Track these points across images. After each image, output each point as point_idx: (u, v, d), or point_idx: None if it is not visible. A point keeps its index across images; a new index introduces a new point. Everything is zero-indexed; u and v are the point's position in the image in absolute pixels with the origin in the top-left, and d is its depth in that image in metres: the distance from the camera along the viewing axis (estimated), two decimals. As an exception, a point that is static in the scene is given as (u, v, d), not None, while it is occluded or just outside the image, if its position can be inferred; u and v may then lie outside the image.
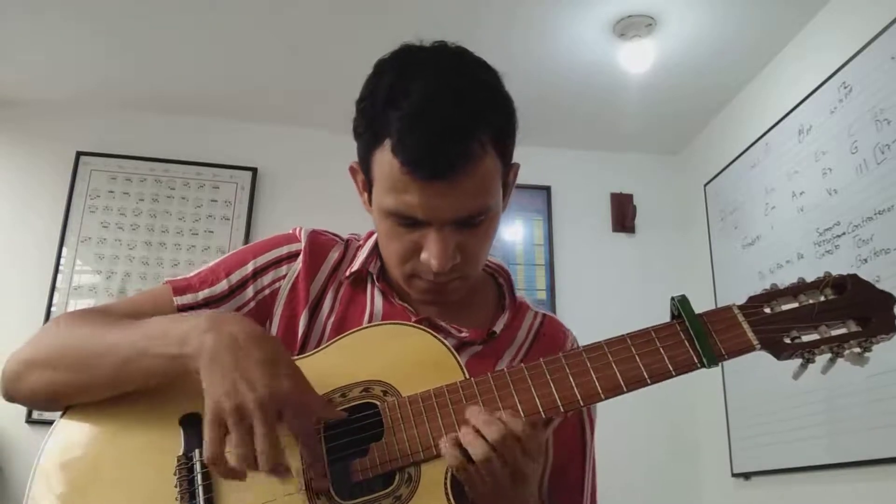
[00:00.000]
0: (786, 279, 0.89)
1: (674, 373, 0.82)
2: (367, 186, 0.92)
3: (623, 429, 2.79)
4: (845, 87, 2.32)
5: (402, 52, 0.90)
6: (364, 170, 0.91)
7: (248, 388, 0.75)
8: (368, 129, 0.87)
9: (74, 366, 0.86)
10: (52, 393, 0.88)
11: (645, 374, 0.82)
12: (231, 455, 0.75)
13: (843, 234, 2.28)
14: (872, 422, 2.11)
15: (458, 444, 0.78)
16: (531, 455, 0.79)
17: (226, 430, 0.75)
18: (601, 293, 3.23)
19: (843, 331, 0.83)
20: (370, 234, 1.04)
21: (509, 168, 0.93)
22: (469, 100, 0.83)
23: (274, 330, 0.97)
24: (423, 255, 0.88)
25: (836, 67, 2.36)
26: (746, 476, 2.75)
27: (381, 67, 0.89)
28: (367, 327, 0.93)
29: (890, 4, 2.15)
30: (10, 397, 0.91)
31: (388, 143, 0.83)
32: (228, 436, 0.75)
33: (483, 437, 0.77)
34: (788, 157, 2.60)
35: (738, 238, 2.91)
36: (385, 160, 0.84)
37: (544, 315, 1.07)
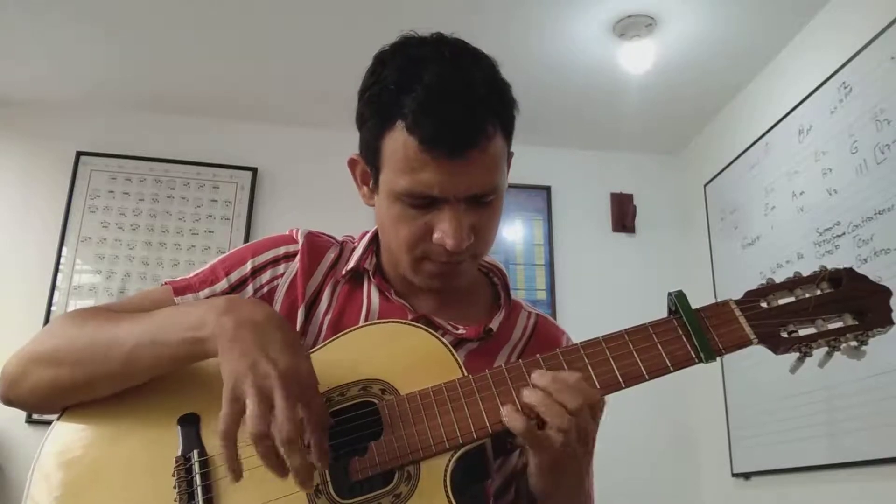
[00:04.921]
0: (786, 280, 0.89)
1: (671, 368, 0.82)
2: (371, 175, 0.92)
3: (623, 429, 2.78)
4: (845, 87, 2.32)
5: (405, 42, 0.91)
6: (369, 157, 0.91)
7: (270, 365, 0.74)
8: (378, 114, 0.87)
9: (80, 360, 0.84)
10: (54, 391, 0.86)
11: (643, 369, 0.82)
12: (246, 427, 0.73)
13: (843, 234, 2.28)
14: (872, 422, 2.10)
15: (521, 414, 0.79)
16: (597, 420, 0.82)
17: (243, 407, 0.74)
18: (601, 293, 3.22)
19: (839, 324, 0.83)
20: (363, 235, 1.05)
21: (509, 154, 0.94)
22: (478, 82, 0.85)
23: None
24: (436, 236, 0.88)
25: (836, 67, 2.36)
26: (746, 476, 2.74)
27: (384, 57, 0.90)
28: (364, 326, 0.92)
29: (890, 4, 2.15)
30: (9, 400, 0.90)
31: (401, 125, 0.84)
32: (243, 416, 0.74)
33: (564, 406, 0.78)
34: (788, 157, 2.60)
35: (738, 238, 2.90)
36: (398, 141, 0.84)
37: (538, 315, 1.07)
